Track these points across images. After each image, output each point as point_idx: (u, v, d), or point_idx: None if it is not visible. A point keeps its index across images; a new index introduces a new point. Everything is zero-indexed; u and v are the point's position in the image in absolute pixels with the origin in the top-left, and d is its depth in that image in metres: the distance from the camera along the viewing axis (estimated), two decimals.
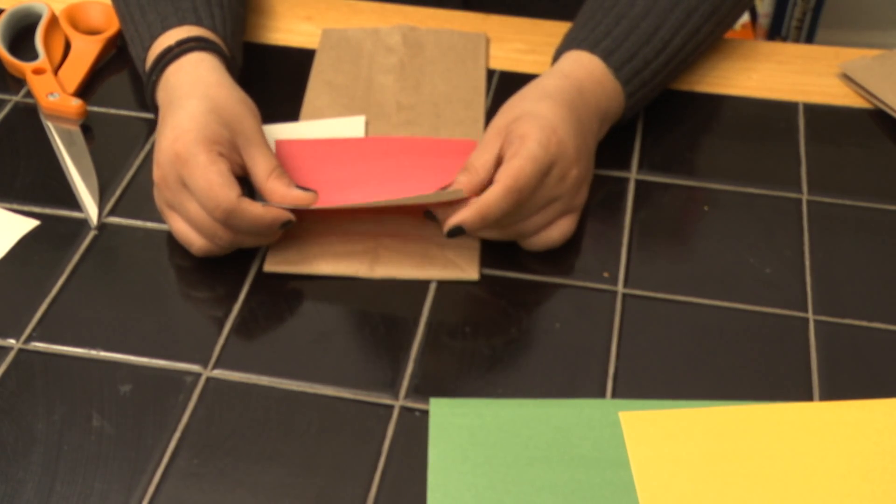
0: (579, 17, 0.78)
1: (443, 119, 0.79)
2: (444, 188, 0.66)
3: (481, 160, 0.67)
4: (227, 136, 0.66)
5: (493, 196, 0.64)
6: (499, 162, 0.67)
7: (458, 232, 0.66)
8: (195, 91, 0.68)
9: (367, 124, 0.78)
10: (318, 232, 0.70)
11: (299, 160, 0.69)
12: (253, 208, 0.64)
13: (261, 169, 0.67)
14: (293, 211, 0.68)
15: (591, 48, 0.74)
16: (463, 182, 0.66)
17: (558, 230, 0.69)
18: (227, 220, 0.64)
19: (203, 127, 0.65)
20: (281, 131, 0.77)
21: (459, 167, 0.69)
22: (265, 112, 0.78)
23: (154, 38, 0.73)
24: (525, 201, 0.66)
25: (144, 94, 0.74)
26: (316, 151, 0.70)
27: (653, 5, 0.75)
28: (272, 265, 0.68)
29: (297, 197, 0.66)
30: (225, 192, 0.63)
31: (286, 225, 0.66)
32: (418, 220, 0.70)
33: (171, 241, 0.70)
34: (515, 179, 0.64)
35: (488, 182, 0.66)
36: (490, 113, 0.79)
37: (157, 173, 0.66)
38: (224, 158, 0.65)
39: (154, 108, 0.73)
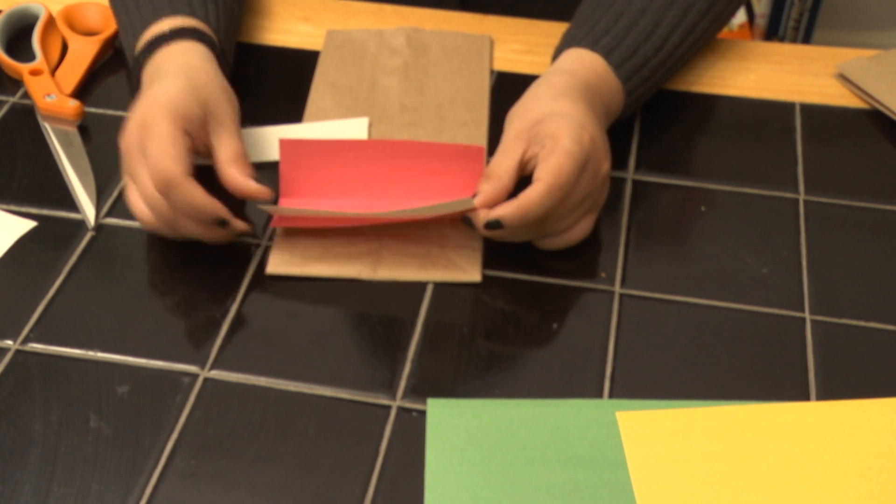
0: (578, 14, 0.78)
1: (446, 121, 0.79)
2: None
3: (503, 166, 0.66)
4: (198, 115, 0.67)
5: (536, 193, 0.63)
6: (521, 167, 0.66)
7: (496, 226, 0.64)
8: (179, 72, 0.69)
9: (370, 126, 0.78)
10: (320, 234, 0.70)
11: (304, 159, 0.69)
12: (194, 189, 0.64)
13: (224, 151, 0.67)
14: (302, 218, 0.69)
15: (592, 46, 0.74)
16: (487, 191, 0.65)
17: (580, 229, 0.68)
18: (167, 192, 0.63)
19: (177, 102, 0.66)
20: (284, 132, 0.77)
21: (465, 173, 0.69)
22: (265, 113, 0.78)
23: (146, 26, 0.74)
24: (566, 199, 0.65)
25: (130, 78, 0.75)
26: (321, 151, 0.70)
27: (650, 3, 0.76)
28: (275, 267, 0.68)
29: (249, 186, 0.66)
30: (172, 163, 0.63)
31: (223, 224, 0.66)
32: (420, 221, 0.70)
33: (169, 242, 0.70)
34: (557, 176, 0.63)
35: (512, 188, 0.65)
36: (492, 114, 0.79)
37: (123, 141, 0.67)
38: (188, 136, 0.65)
39: (138, 90, 0.73)
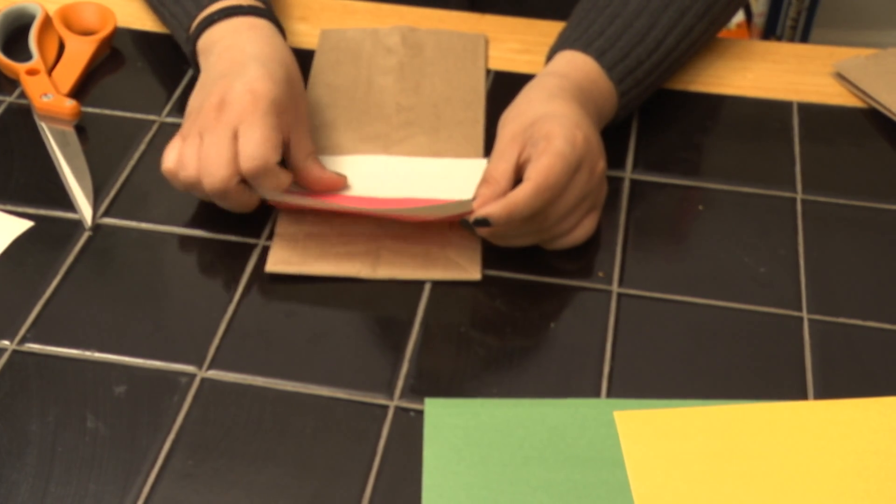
0: (573, 16, 0.78)
1: (442, 120, 0.79)
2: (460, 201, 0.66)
3: (500, 170, 0.66)
4: (289, 109, 0.69)
5: (523, 193, 0.63)
6: (517, 169, 0.66)
7: (482, 223, 0.64)
8: (275, 55, 0.71)
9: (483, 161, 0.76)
10: (320, 233, 0.70)
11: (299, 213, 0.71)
12: (283, 174, 0.67)
13: (302, 149, 0.70)
14: (301, 211, 0.69)
15: (585, 48, 0.74)
16: (484, 194, 0.65)
17: (583, 229, 0.68)
18: (258, 177, 0.66)
19: (281, 95, 0.68)
20: (380, 163, 0.75)
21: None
22: None
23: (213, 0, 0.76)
24: (556, 200, 0.65)
25: (183, 35, 0.78)
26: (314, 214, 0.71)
27: (646, 4, 0.75)
28: (274, 265, 0.68)
29: (330, 178, 0.71)
30: (273, 154, 0.66)
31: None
32: (419, 221, 0.70)
33: (166, 242, 0.70)
34: (546, 177, 0.63)
35: (509, 191, 0.65)
36: (489, 113, 0.79)
37: (214, 100, 0.67)
38: (281, 133, 0.68)
39: (192, 48, 0.76)
